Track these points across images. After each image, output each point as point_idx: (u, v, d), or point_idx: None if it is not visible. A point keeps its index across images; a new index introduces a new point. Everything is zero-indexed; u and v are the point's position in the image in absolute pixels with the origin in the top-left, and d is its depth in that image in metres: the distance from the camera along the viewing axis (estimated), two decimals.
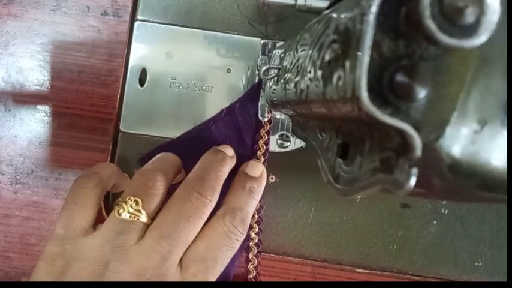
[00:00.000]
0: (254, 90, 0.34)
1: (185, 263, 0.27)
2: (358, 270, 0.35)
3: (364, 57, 0.14)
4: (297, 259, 0.35)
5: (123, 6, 0.34)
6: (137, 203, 0.27)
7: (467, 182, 0.15)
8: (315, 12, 0.23)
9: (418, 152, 0.14)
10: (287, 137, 0.34)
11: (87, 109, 0.34)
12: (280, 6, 0.29)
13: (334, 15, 0.18)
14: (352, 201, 0.35)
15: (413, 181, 0.14)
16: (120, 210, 0.26)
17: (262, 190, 0.32)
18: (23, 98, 0.34)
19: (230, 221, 0.29)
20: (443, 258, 0.35)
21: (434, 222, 0.35)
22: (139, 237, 0.26)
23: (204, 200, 0.27)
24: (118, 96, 0.34)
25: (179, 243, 0.27)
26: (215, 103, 0.34)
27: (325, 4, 0.22)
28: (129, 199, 0.27)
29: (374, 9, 0.14)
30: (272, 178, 0.35)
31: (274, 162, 0.34)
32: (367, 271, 0.35)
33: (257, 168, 0.32)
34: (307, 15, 0.23)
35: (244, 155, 0.33)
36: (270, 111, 0.33)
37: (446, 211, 0.35)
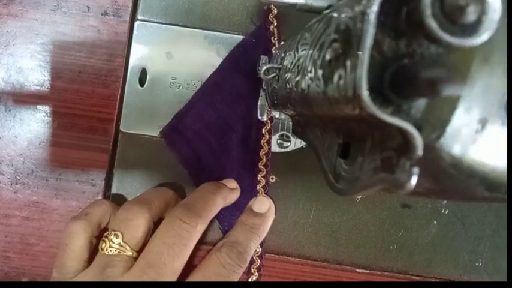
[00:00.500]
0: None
1: None
2: (358, 270, 0.35)
3: (365, 56, 0.14)
4: (297, 259, 0.35)
5: (123, 6, 0.34)
6: (117, 237, 0.27)
7: (467, 181, 0.15)
8: (316, 11, 0.23)
9: (419, 151, 0.14)
10: (287, 137, 0.34)
11: (87, 109, 0.34)
12: (280, 6, 0.29)
13: (335, 14, 0.18)
14: (353, 202, 0.35)
15: (414, 180, 0.14)
16: (103, 245, 0.27)
17: (268, 227, 0.32)
18: (23, 98, 0.34)
19: (227, 252, 0.29)
20: (443, 258, 0.35)
21: (435, 222, 0.35)
22: (126, 269, 0.27)
23: (186, 226, 0.27)
24: (118, 96, 0.34)
25: (165, 272, 0.26)
26: None
27: (325, 4, 0.22)
28: (110, 234, 0.27)
29: (375, 8, 0.14)
30: (272, 178, 0.35)
31: (274, 162, 0.34)
32: (367, 271, 0.35)
33: (263, 205, 0.32)
34: (307, 15, 0.23)
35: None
36: (270, 111, 0.33)
37: (447, 211, 0.35)
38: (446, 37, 0.13)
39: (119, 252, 0.27)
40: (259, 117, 0.33)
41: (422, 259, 0.35)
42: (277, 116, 0.34)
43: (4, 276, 0.35)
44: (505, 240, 0.35)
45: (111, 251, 0.27)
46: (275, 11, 0.34)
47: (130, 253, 0.27)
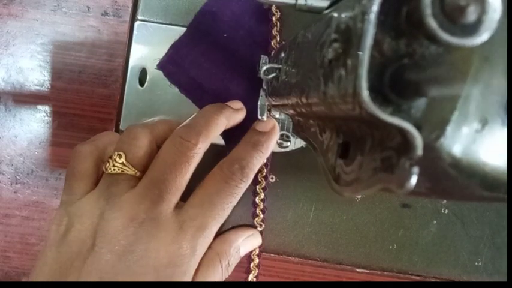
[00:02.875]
0: None
1: (183, 208, 0.27)
2: (358, 270, 0.35)
3: (365, 56, 0.14)
4: (297, 259, 0.35)
5: (123, 6, 0.34)
6: (120, 156, 0.28)
7: (467, 181, 0.15)
8: (316, 11, 0.23)
9: (419, 151, 0.14)
10: (287, 137, 0.34)
11: (87, 109, 0.34)
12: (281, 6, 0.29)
13: (335, 14, 0.18)
14: (353, 201, 0.35)
15: (414, 180, 0.14)
16: (107, 165, 0.28)
17: (272, 144, 0.31)
18: (23, 98, 0.34)
19: (227, 167, 0.29)
20: (443, 258, 0.35)
21: (434, 222, 0.35)
22: (130, 187, 0.27)
23: (187, 143, 0.27)
24: (118, 96, 0.34)
25: (168, 188, 0.27)
26: None
27: (325, 3, 0.22)
28: (113, 154, 0.28)
29: (375, 8, 0.14)
30: (272, 178, 0.35)
31: (274, 162, 0.34)
32: (367, 271, 0.35)
33: (266, 124, 0.32)
34: (307, 15, 0.23)
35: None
36: (270, 110, 0.33)
37: (446, 211, 0.35)
38: (446, 37, 0.13)
39: (122, 171, 0.27)
40: (259, 117, 0.33)
41: (422, 259, 0.35)
42: (277, 116, 0.34)
43: (4, 276, 0.35)
44: (505, 240, 0.35)
45: (114, 169, 0.27)
46: (278, 14, 0.34)
47: (133, 172, 0.28)
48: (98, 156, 0.29)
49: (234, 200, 0.29)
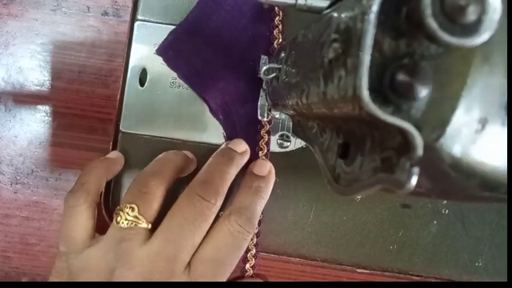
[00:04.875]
0: None
1: (193, 265, 0.27)
2: (358, 270, 0.35)
3: (365, 56, 0.14)
4: (297, 259, 0.35)
5: (123, 6, 0.34)
6: (133, 210, 0.27)
7: (467, 181, 0.15)
8: (316, 11, 0.23)
9: (419, 151, 0.14)
10: (287, 137, 0.34)
11: (87, 109, 0.34)
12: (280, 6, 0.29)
13: (335, 14, 0.18)
14: (353, 202, 0.35)
15: (414, 180, 0.14)
16: (118, 219, 0.27)
17: (271, 188, 0.32)
18: (23, 98, 0.34)
19: (236, 220, 0.29)
20: (443, 258, 0.35)
21: (435, 222, 0.35)
22: (142, 242, 0.27)
23: (207, 204, 0.27)
24: (118, 96, 0.34)
25: (185, 247, 0.27)
26: None
27: (325, 3, 0.22)
28: (125, 206, 0.27)
29: (375, 8, 0.14)
30: None
31: (274, 162, 0.34)
32: (368, 271, 0.35)
33: (264, 167, 0.32)
34: (307, 15, 0.23)
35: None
36: (270, 111, 0.33)
37: (447, 211, 0.35)
38: (446, 37, 0.13)
39: (135, 224, 0.27)
40: (259, 117, 0.33)
41: (422, 259, 0.35)
42: (277, 116, 0.34)
43: (4, 276, 0.35)
44: (505, 240, 0.35)
45: (127, 223, 0.27)
46: (281, 15, 0.34)
47: (145, 225, 0.27)
48: (92, 201, 0.29)
49: (242, 253, 0.29)
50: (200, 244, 0.28)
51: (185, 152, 0.33)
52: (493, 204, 0.35)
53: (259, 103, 0.33)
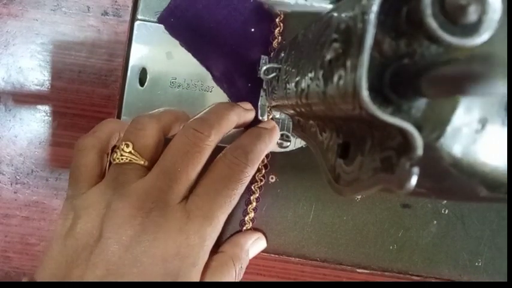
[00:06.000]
0: None
1: (190, 199, 0.27)
2: (358, 270, 0.35)
3: (365, 56, 0.14)
4: (297, 259, 0.35)
5: (123, 6, 0.34)
6: (127, 146, 0.27)
7: (468, 181, 0.15)
8: (316, 11, 0.23)
9: (419, 151, 0.14)
10: (287, 137, 0.34)
11: (87, 109, 0.34)
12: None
13: (335, 14, 0.18)
14: (353, 202, 0.35)
15: (414, 180, 0.14)
16: (114, 156, 0.28)
17: (274, 138, 0.31)
18: (23, 98, 0.34)
19: (231, 153, 0.28)
20: (443, 258, 0.35)
21: (435, 222, 0.35)
22: (138, 176, 0.27)
23: (199, 135, 0.27)
24: (118, 96, 0.34)
25: (178, 178, 0.26)
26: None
27: (325, 3, 0.22)
28: (121, 144, 0.27)
29: (375, 8, 0.14)
30: (272, 178, 0.35)
31: (274, 162, 0.34)
32: (368, 271, 0.35)
33: (268, 123, 0.32)
34: (307, 15, 0.23)
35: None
36: (270, 111, 0.33)
37: (447, 211, 0.35)
38: (447, 37, 0.13)
39: (130, 160, 0.27)
40: (260, 118, 0.33)
41: (422, 259, 0.35)
42: (277, 116, 0.34)
43: (4, 276, 0.35)
44: (505, 240, 0.35)
45: (122, 159, 0.27)
46: (282, 16, 0.34)
47: (141, 161, 0.27)
48: (101, 148, 0.29)
49: (240, 187, 0.28)
50: (199, 180, 0.28)
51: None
52: (493, 204, 0.35)
53: (259, 103, 0.33)
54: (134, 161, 0.27)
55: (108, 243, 0.25)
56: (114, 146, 0.30)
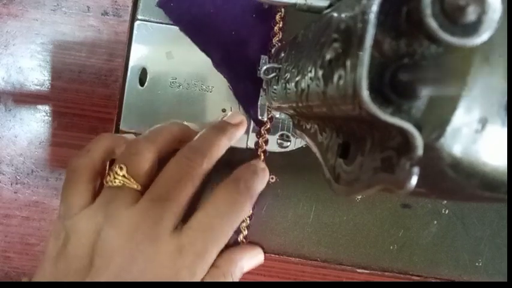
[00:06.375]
0: None
1: (183, 230, 0.27)
2: (358, 270, 0.35)
3: (365, 56, 0.14)
4: (297, 259, 0.35)
5: (123, 6, 0.34)
6: (121, 169, 0.27)
7: (467, 181, 0.15)
8: (316, 11, 0.23)
9: (420, 151, 0.14)
10: (287, 137, 0.34)
11: (87, 109, 0.34)
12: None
13: (335, 14, 0.18)
14: (353, 202, 0.35)
15: (414, 180, 0.14)
16: (108, 178, 0.27)
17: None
18: (23, 98, 0.34)
19: (235, 186, 0.29)
20: (443, 258, 0.35)
21: (435, 222, 0.35)
22: (130, 203, 0.27)
23: (192, 164, 0.27)
24: (118, 96, 0.34)
25: (170, 207, 0.26)
26: (215, 103, 0.34)
27: (325, 3, 0.22)
28: (115, 166, 0.27)
29: (375, 8, 0.14)
30: (272, 178, 0.35)
31: (274, 162, 0.34)
32: (368, 271, 0.35)
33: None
34: (307, 15, 0.23)
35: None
36: (270, 110, 0.33)
37: (447, 211, 0.35)
38: (447, 37, 0.13)
39: (123, 184, 0.27)
40: (260, 118, 0.33)
41: (422, 259, 0.35)
42: (277, 116, 0.34)
43: (4, 276, 0.35)
44: (505, 240, 0.35)
45: (115, 182, 0.27)
46: (282, 13, 0.34)
47: (135, 186, 0.27)
48: (94, 168, 0.29)
49: (237, 223, 0.29)
50: (191, 209, 0.28)
51: (189, 124, 0.32)
52: (494, 204, 0.35)
53: (259, 103, 0.33)
54: (127, 184, 0.27)
55: (99, 273, 0.25)
56: (111, 162, 0.30)
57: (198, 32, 0.34)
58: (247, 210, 0.29)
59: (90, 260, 0.25)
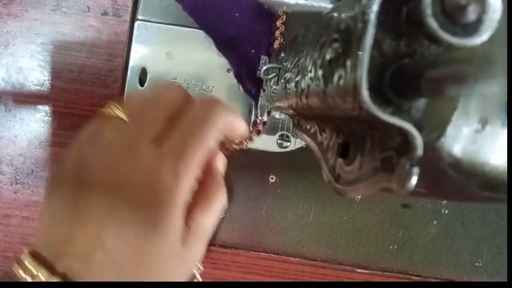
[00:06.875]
0: None
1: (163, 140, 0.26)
2: (358, 270, 0.35)
3: (365, 56, 0.14)
4: (297, 259, 0.35)
5: (123, 6, 0.34)
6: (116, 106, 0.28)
7: (468, 181, 0.15)
8: (316, 11, 0.23)
9: (419, 151, 0.14)
10: (287, 137, 0.34)
11: (87, 109, 0.34)
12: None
13: (335, 14, 0.18)
14: (353, 202, 0.35)
15: (414, 180, 0.14)
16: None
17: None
18: (23, 98, 0.34)
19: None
20: (443, 258, 0.35)
21: (435, 222, 0.35)
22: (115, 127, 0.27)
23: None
24: (118, 96, 0.34)
25: (148, 123, 0.26)
26: None
27: (326, 3, 0.22)
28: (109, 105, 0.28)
29: (375, 8, 0.14)
30: (272, 178, 0.35)
31: (274, 162, 0.34)
32: (367, 271, 0.35)
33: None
34: (308, 15, 0.23)
35: None
36: (270, 111, 0.33)
37: (447, 211, 0.35)
38: (447, 37, 0.13)
39: (114, 112, 0.28)
40: (260, 118, 0.33)
41: (422, 259, 0.35)
42: (277, 116, 0.34)
43: (4, 276, 0.35)
44: (505, 240, 0.35)
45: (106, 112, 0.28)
46: (283, 18, 0.33)
47: (118, 113, 0.28)
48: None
49: (216, 125, 0.26)
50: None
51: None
52: (494, 204, 0.35)
53: (259, 103, 0.33)
54: (116, 112, 0.28)
55: (85, 189, 0.26)
56: None
57: (202, 14, 0.34)
58: (225, 119, 0.27)
59: (76, 176, 0.26)
